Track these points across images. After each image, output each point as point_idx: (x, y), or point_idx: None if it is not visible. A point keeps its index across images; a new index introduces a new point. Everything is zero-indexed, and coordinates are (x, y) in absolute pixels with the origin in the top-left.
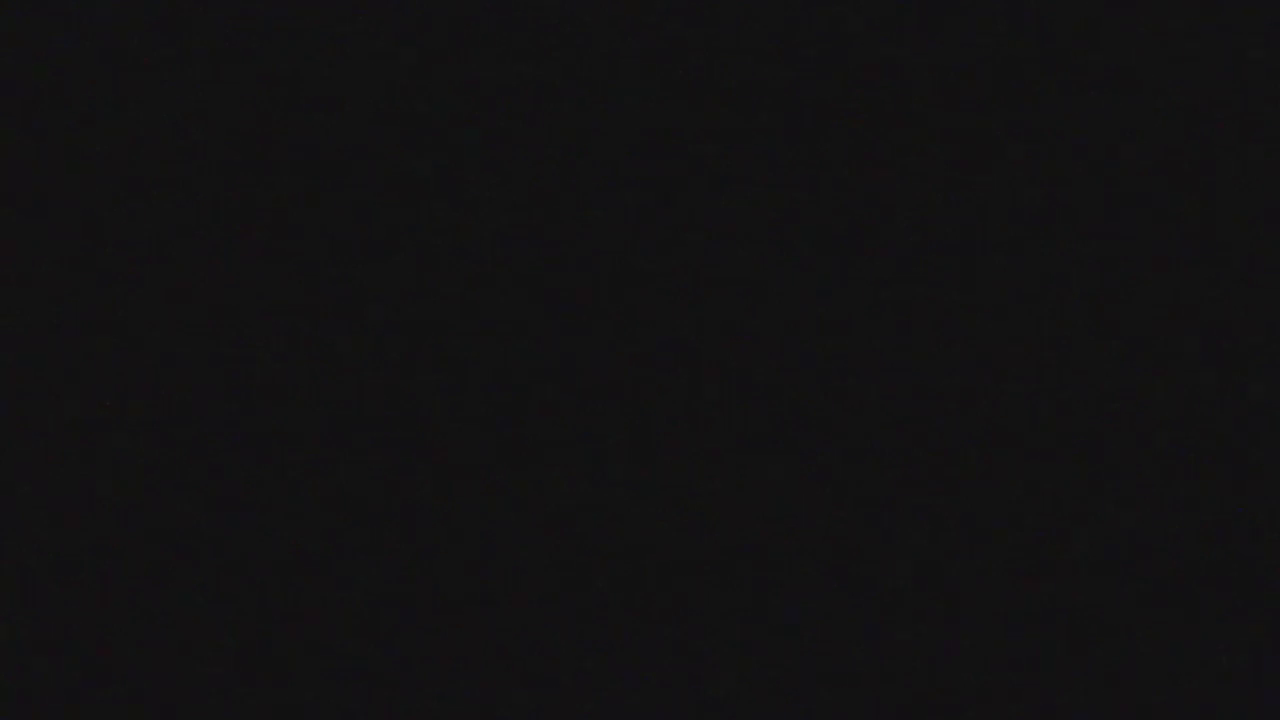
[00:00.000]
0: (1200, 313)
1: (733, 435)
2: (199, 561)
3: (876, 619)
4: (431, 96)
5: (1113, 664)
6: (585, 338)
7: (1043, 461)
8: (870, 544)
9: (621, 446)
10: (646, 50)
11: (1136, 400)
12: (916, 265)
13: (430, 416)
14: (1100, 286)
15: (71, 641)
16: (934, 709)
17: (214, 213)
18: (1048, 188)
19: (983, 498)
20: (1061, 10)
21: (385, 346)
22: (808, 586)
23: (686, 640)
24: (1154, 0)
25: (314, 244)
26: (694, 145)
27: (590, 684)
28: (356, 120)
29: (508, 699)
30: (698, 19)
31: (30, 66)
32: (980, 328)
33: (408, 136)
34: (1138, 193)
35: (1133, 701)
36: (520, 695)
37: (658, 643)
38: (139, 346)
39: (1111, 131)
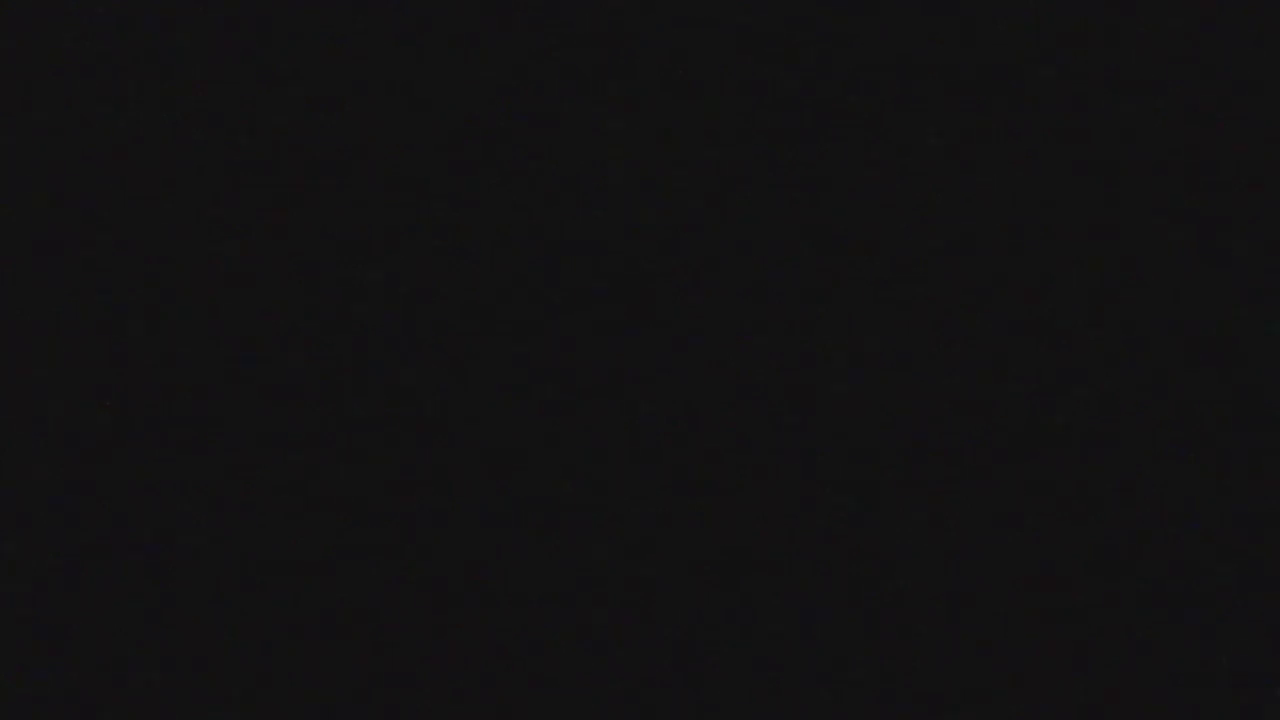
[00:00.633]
0: (1200, 313)
1: (733, 435)
2: (199, 561)
3: (876, 619)
4: (432, 96)
5: (1113, 664)
6: (585, 337)
7: (1043, 461)
8: (870, 544)
9: (621, 446)
10: (647, 50)
11: (1136, 400)
12: (916, 265)
13: (431, 416)
14: (1100, 286)
15: (71, 641)
16: (934, 709)
17: (214, 212)
18: (1047, 188)
19: (983, 498)
20: (1061, 10)
21: (385, 346)
22: (808, 586)
23: (687, 640)
24: (1154, 0)
25: (314, 244)
26: (694, 145)
27: (590, 684)
28: (357, 120)
29: (508, 699)
30: (698, 19)
31: (30, 66)
32: (980, 328)
33: (408, 136)
34: (1138, 192)
35: (1133, 701)
36: (520, 695)
37: (658, 643)
38: (139, 346)
39: (1111, 131)
